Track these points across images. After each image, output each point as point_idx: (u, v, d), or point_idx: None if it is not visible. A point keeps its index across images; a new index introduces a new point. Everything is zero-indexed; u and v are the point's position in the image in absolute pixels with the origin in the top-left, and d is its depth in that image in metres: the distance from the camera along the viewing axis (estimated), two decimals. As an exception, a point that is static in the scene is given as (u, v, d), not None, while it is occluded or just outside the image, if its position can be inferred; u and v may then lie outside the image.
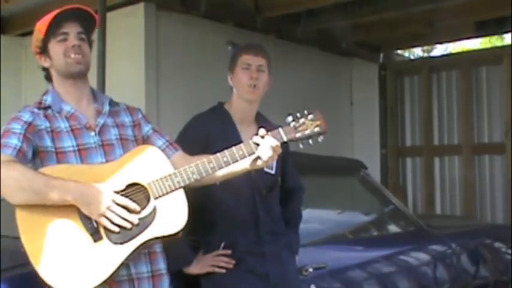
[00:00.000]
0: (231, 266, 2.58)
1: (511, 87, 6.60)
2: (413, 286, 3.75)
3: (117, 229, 1.99)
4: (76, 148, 2.14)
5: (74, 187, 1.98)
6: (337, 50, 7.21)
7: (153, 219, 2.04)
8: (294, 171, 2.89)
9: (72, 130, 2.17)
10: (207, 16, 5.65)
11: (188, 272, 2.60)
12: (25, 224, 1.99)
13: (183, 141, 2.66)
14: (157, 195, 2.06)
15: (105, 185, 2.02)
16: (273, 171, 2.73)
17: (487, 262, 4.26)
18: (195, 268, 2.60)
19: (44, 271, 1.94)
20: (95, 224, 2.00)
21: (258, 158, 2.17)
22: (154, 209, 2.05)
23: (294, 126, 2.19)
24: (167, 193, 2.07)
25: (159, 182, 2.07)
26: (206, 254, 2.61)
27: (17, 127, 2.10)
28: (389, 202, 4.06)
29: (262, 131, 2.17)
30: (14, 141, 2.06)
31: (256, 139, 2.16)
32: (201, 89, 5.47)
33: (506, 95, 6.66)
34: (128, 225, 1.99)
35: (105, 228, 2.00)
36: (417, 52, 12.56)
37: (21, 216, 1.99)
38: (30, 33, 6.75)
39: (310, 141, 2.20)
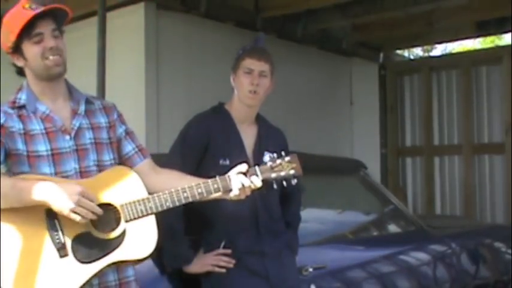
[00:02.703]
0: (231, 266, 2.59)
1: (511, 87, 6.60)
2: (413, 286, 3.75)
3: (86, 220, 1.96)
4: (50, 153, 2.09)
5: (42, 185, 1.95)
6: (337, 49, 7.20)
7: (121, 241, 2.02)
8: (294, 172, 2.89)
9: (47, 133, 2.11)
10: (207, 16, 5.65)
11: (188, 271, 2.60)
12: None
13: (184, 141, 2.67)
14: (128, 219, 2.04)
15: (71, 182, 1.98)
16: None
17: (487, 262, 4.26)
18: (195, 267, 2.60)
19: (6, 282, 1.91)
20: (62, 239, 1.98)
21: (230, 191, 2.18)
22: (124, 232, 2.03)
23: (270, 166, 2.21)
24: (138, 217, 2.05)
25: (132, 206, 2.05)
26: (206, 253, 2.62)
27: None
28: (389, 202, 4.06)
29: (242, 167, 2.18)
30: None
31: (232, 175, 2.18)
32: (201, 88, 5.48)
33: (506, 95, 6.65)
34: (94, 217, 1.97)
35: (72, 245, 1.97)
36: (417, 52, 12.56)
37: None
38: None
39: (285, 183, 2.23)
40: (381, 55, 7.77)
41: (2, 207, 1.95)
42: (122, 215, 2.03)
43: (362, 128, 7.50)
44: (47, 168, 2.08)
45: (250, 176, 2.19)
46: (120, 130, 2.28)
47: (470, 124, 7.04)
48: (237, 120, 2.72)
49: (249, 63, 2.66)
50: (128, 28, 5.29)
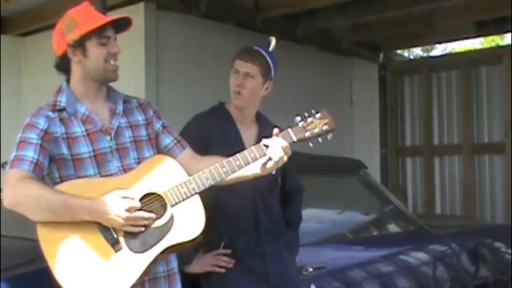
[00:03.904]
0: (231, 266, 2.59)
1: (511, 87, 6.60)
2: (413, 286, 3.75)
3: (141, 229, 2.01)
4: (92, 154, 2.13)
5: (90, 205, 1.97)
6: (337, 50, 7.20)
7: (171, 226, 2.06)
8: (295, 172, 2.89)
9: (88, 135, 2.15)
10: (207, 16, 5.65)
11: (188, 271, 2.60)
12: (46, 239, 1.99)
13: (184, 141, 2.68)
14: (173, 203, 2.07)
15: (120, 193, 2.00)
16: (273, 172, 2.73)
17: (487, 262, 4.26)
18: (195, 267, 2.60)
19: (68, 284, 1.95)
20: (114, 235, 2.01)
21: (269, 159, 2.17)
22: (172, 217, 2.06)
23: (302, 126, 2.20)
24: (183, 200, 2.08)
25: (175, 190, 2.08)
26: (206, 254, 2.62)
27: (33, 137, 2.07)
28: (389, 202, 4.06)
29: (275, 131, 2.18)
30: (31, 153, 2.04)
31: (266, 141, 2.17)
32: (201, 88, 5.48)
33: (506, 95, 6.66)
34: (149, 223, 2.01)
35: (125, 238, 2.01)
36: (417, 52, 12.57)
37: (42, 231, 2.00)
38: (30, 33, 6.76)
39: (320, 139, 2.20)
40: (381, 55, 7.77)
41: (54, 220, 1.99)
42: (167, 201, 2.07)
43: (362, 128, 7.50)
44: (90, 170, 2.11)
45: (285, 138, 2.17)
46: (158, 125, 2.32)
47: (470, 124, 7.04)
48: (236, 120, 2.73)
49: (237, 63, 2.68)
50: (128, 28, 5.28)
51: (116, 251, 2.00)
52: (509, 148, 6.69)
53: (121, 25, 2.20)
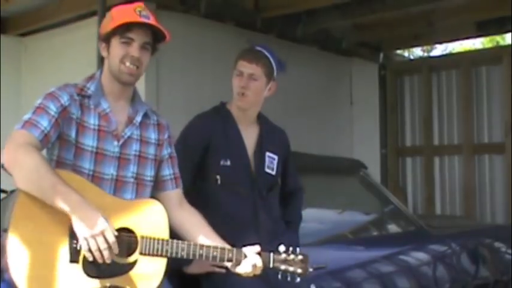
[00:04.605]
0: (231, 266, 2.58)
1: (511, 87, 6.60)
2: (413, 286, 3.75)
3: (90, 257, 1.96)
4: (95, 150, 2.13)
5: (76, 201, 1.95)
6: (337, 50, 7.20)
7: (129, 270, 2.04)
8: (295, 173, 2.89)
9: (99, 130, 2.15)
10: (207, 16, 5.64)
11: (188, 271, 2.60)
12: (20, 211, 1.97)
13: (185, 141, 2.68)
14: (143, 252, 2.06)
15: (105, 216, 1.97)
16: (273, 172, 2.73)
17: (487, 262, 4.26)
18: (195, 268, 2.60)
19: (14, 271, 1.92)
20: (78, 247, 1.98)
21: (239, 264, 2.20)
22: (135, 262, 2.05)
23: (284, 258, 2.24)
24: (152, 255, 2.07)
25: (151, 242, 2.07)
26: (206, 254, 2.61)
27: (52, 108, 2.08)
28: (389, 202, 4.06)
29: (256, 248, 2.21)
30: (45, 123, 2.05)
31: (247, 251, 2.19)
32: (201, 88, 5.48)
33: (506, 95, 6.65)
34: (100, 261, 1.96)
35: (84, 257, 1.98)
36: (417, 52, 12.57)
37: (20, 200, 1.98)
38: (30, 33, 6.75)
39: (289, 277, 2.25)
40: (381, 55, 7.76)
41: (34, 194, 1.96)
42: (138, 246, 2.06)
43: (362, 127, 7.50)
44: (87, 163, 2.12)
45: (264, 259, 2.21)
46: (166, 152, 2.32)
47: (470, 124, 7.03)
48: (238, 120, 2.72)
49: (240, 65, 2.68)
50: (128, 28, 5.28)
51: (71, 261, 1.97)
52: (509, 148, 6.68)
53: (159, 36, 2.20)
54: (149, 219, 2.11)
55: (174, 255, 2.09)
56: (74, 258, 1.98)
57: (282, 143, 2.86)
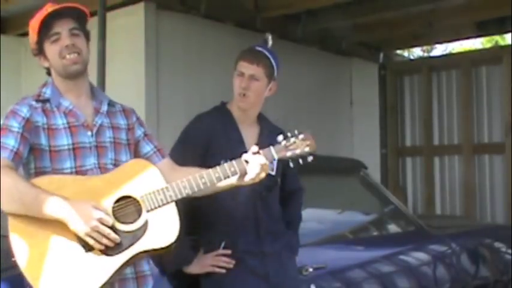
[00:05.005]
0: (231, 266, 2.58)
1: (511, 87, 6.59)
2: (413, 286, 3.75)
3: (101, 247, 1.97)
4: (71, 147, 2.13)
5: (62, 204, 1.95)
6: (337, 49, 7.20)
7: (144, 232, 2.04)
8: (295, 173, 2.89)
9: (69, 127, 2.15)
10: (207, 16, 5.65)
11: (188, 271, 2.60)
12: (17, 232, 1.98)
13: (185, 141, 2.68)
14: (149, 209, 2.06)
15: (93, 203, 1.98)
16: (273, 172, 2.73)
17: (487, 262, 4.26)
18: (195, 268, 2.60)
19: (37, 283, 1.93)
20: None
21: (246, 174, 2.19)
22: (146, 223, 2.04)
23: (284, 145, 2.22)
24: (159, 206, 2.07)
25: (151, 196, 2.07)
26: (206, 254, 2.62)
27: (15, 125, 2.08)
28: (389, 202, 4.06)
29: (254, 148, 2.19)
30: (11, 141, 2.05)
31: (247, 156, 2.18)
32: (201, 88, 5.48)
33: (506, 95, 6.65)
34: (111, 245, 1.97)
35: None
36: (417, 52, 12.58)
37: (13, 224, 1.99)
38: (30, 33, 6.67)
39: (301, 160, 2.22)
40: (381, 55, 7.77)
41: (24, 214, 1.97)
42: (142, 206, 2.05)
43: (362, 128, 7.50)
44: (67, 163, 2.11)
45: (265, 155, 2.19)
46: (139, 132, 2.33)
47: (470, 124, 7.03)
48: (238, 120, 2.73)
49: (241, 65, 2.67)
50: (128, 28, 5.29)
51: (86, 251, 1.98)
52: (509, 148, 6.68)
53: (77, 13, 2.20)
54: (140, 178, 2.10)
55: (179, 196, 2.09)
56: (87, 248, 1.99)
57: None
